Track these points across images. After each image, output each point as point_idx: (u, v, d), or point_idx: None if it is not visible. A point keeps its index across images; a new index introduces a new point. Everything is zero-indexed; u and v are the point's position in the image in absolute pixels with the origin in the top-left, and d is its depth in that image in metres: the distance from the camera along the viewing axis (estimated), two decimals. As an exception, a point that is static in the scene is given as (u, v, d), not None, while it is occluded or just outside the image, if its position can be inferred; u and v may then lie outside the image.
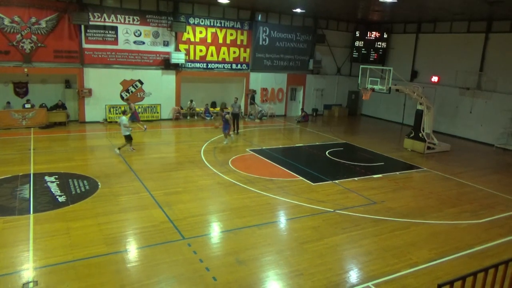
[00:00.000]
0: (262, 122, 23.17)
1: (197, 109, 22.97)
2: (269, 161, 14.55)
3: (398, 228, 9.32)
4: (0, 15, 17.21)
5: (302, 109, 25.57)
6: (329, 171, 13.77)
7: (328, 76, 26.92)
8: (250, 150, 16.02)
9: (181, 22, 20.80)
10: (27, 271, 6.77)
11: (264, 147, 16.65)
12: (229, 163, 13.90)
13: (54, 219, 8.83)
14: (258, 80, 24.39)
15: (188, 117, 22.60)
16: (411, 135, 17.60)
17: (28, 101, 18.58)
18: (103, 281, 6.58)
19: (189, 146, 16.28)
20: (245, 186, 11.59)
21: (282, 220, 9.64)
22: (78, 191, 10.55)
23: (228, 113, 17.81)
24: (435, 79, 22.51)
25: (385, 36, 25.17)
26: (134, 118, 19.11)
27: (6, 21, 17.37)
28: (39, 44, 18.20)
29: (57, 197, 10.03)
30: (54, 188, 10.62)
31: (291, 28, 24.60)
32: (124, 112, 14.16)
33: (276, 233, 8.88)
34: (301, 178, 12.69)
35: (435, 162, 15.71)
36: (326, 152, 16.27)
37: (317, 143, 18.07)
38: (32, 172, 11.85)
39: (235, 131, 18.59)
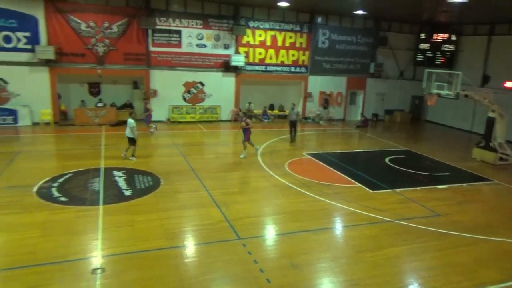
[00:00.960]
0: (320, 126, 22.91)
1: (255, 111, 23.26)
2: (326, 165, 14.35)
3: (464, 243, 8.75)
4: (78, 21, 18.72)
5: (362, 113, 24.91)
6: (389, 179, 13.27)
7: (390, 80, 25.97)
8: (307, 154, 15.92)
9: (241, 26, 21.23)
10: (96, 258, 7.28)
11: (321, 151, 16.45)
12: (285, 166, 13.91)
13: (121, 211, 9.41)
14: (317, 83, 24.15)
15: (246, 119, 22.95)
16: (481, 145, 16.42)
17: (100, 101, 20.03)
18: (162, 273, 6.89)
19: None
20: (301, 189, 11.53)
21: (338, 227, 9.46)
22: (143, 186, 11.16)
23: (250, 116, 15.70)
24: (509, 84, 20.82)
25: (453, 38, 23.75)
26: (147, 119, 18.72)
27: (83, 26, 18.85)
28: (111, 48, 19.52)
29: (124, 191, 10.69)
30: (121, 182, 11.33)
31: (351, 31, 24.09)
32: (131, 114, 14.18)
33: (331, 239, 8.74)
34: (359, 184, 12.37)
35: (508, 175, 14.52)
36: (386, 159, 15.70)
37: (376, 149, 17.50)
38: (102, 166, 12.75)
39: (292, 139, 17.67)
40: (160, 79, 20.70)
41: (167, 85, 20.89)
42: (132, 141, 13.72)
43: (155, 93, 20.61)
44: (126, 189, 10.78)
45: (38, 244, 7.71)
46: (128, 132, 13.63)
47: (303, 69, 23.70)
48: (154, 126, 18.72)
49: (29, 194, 10.13)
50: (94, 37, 19.14)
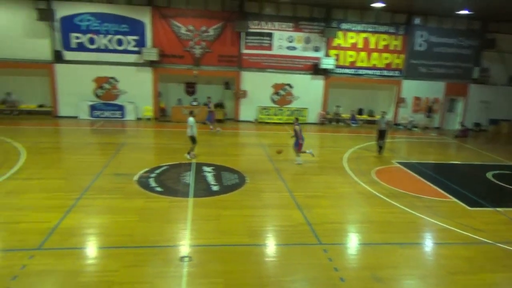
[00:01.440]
0: (412, 134, 21.59)
1: (343, 115, 22.76)
2: (418, 176, 13.47)
3: None
4: (179, 25, 20.20)
5: (462, 122, 22.86)
6: (491, 196, 11.98)
7: (498, 86, 23.42)
8: (397, 162, 15.11)
9: (333, 28, 20.94)
10: (184, 247, 7.79)
11: (412, 161, 15.49)
12: (372, 173, 13.38)
13: (208, 205, 9.94)
14: (411, 88, 22.78)
15: (333, 123, 22.58)
16: None
17: (195, 100, 21.36)
18: (244, 269, 7.11)
19: (332, 152, 16.27)
20: (388, 199, 11.00)
21: (429, 243, 8.82)
22: (229, 183, 11.64)
23: (299, 124, 14.22)
24: None
25: None
26: (210, 118, 18.94)
27: (183, 30, 20.28)
28: (206, 50, 20.70)
29: (212, 186, 11.26)
30: (210, 177, 11.96)
31: (453, 32, 22.25)
32: (191, 113, 14.27)
33: (420, 256, 8.18)
34: (454, 199, 11.38)
35: None
36: (488, 174, 14.20)
37: (477, 163, 15.93)
38: (194, 161, 13.58)
39: (379, 150, 16.04)
40: (250, 80, 21.38)
41: (257, 87, 21.48)
42: (192, 140, 13.87)
43: (244, 94, 21.34)
44: (214, 185, 11.35)
45: (136, 228, 8.50)
46: (188, 131, 13.81)
47: (396, 73, 22.55)
48: (211, 127, 18.81)
49: (130, 182, 11.22)
50: (192, 40, 20.47)
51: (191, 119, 13.79)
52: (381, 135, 15.94)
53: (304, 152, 14.27)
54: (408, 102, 22.97)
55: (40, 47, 19.43)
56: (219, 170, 12.72)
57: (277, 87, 21.82)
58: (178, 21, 20.16)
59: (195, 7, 20.12)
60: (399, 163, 15.00)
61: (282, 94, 21.93)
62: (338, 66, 21.85)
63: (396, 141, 19.47)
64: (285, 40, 21.18)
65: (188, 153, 13.89)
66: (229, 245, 7.93)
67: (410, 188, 12.06)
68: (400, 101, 22.81)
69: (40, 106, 20.63)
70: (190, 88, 22.05)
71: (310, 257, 7.65)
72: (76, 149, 14.83)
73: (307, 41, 21.37)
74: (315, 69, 21.71)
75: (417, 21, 21.91)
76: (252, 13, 20.61)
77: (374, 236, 8.76)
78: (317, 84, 22.01)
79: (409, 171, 14.04)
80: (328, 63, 21.26)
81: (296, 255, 7.71)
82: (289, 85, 21.85)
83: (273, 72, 21.55)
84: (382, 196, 11.20)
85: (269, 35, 21.03)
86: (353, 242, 8.66)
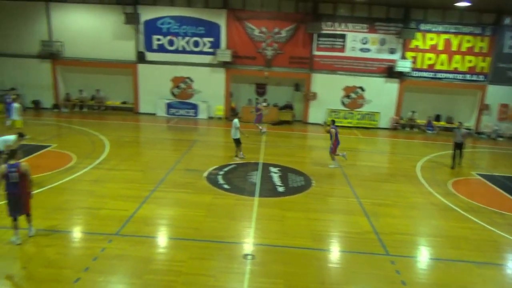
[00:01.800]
0: (496, 144, 19.78)
1: (418, 121, 21.56)
2: (501, 190, 12.32)
3: None
4: (252, 27, 20.61)
5: (557, 133, 20.44)
6: None
7: None
8: (478, 174, 13.96)
9: (411, 29, 19.92)
10: (248, 245, 7.95)
11: (496, 173, 14.20)
12: (449, 184, 12.50)
13: (273, 205, 10.03)
14: (497, 94, 20.87)
15: (407, 129, 21.49)
16: None
17: (265, 100, 21.65)
18: (306, 272, 7.07)
19: (404, 159, 15.50)
20: (465, 213, 10.20)
21: (511, 265, 8.04)
22: (295, 185, 11.63)
23: (335, 127, 13.59)
24: None
25: None
26: (258, 119, 18.56)
27: (256, 32, 20.66)
28: (278, 51, 20.87)
29: (277, 187, 11.35)
30: (276, 178, 12.06)
31: (554, 33, 19.96)
32: (236, 114, 13.86)
33: (501, 278, 7.48)
34: (544, 219, 10.23)
35: None
36: None
37: None
38: (261, 161, 13.80)
39: (454, 165, 14.34)
40: (320, 82, 21.14)
41: (327, 89, 21.18)
42: (237, 142, 13.82)
43: (314, 96, 21.16)
44: (280, 186, 11.42)
45: (203, 222, 8.86)
46: (233, 133, 13.72)
47: (480, 77, 20.81)
48: (260, 127, 18.55)
49: (200, 178, 11.72)
50: (265, 42, 20.78)
51: (235, 120, 13.80)
52: (458, 148, 14.37)
53: (338, 155, 13.76)
54: (492, 109, 21.07)
55: (126, 48, 21.06)
56: (285, 172, 12.77)
57: (348, 90, 21.30)
58: (251, 23, 20.59)
59: (269, 9, 20.40)
60: (480, 175, 13.84)
61: (353, 97, 21.37)
62: (414, 69, 20.74)
63: (478, 151, 17.97)
64: (358, 41, 20.61)
65: (236, 155, 13.90)
66: (292, 247, 7.94)
67: (491, 203, 11.06)
68: (483, 108, 21.01)
69: (123, 102, 22.35)
70: (261, 89, 22.40)
71: (376, 268, 7.38)
72: (153, 144, 15.84)
73: (382, 42, 20.58)
74: (390, 72, 20.82)
75: (507, 21, 20.01)
76: (325, 15, 20.36)
77: (448, 252, 8.19)
78: (391, 87, 21.09)
79: (491, 184, 12.89)
80: (404, 65, 20.27)
81: (360, 264, 7.49)
82: (361, 88, 21.22)
83: (344, 75, 21.08)
84: (458, 210, 10.43)
85: (342, 36, 20.61)
86: (424, 256, 8.18)
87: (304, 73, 21.11)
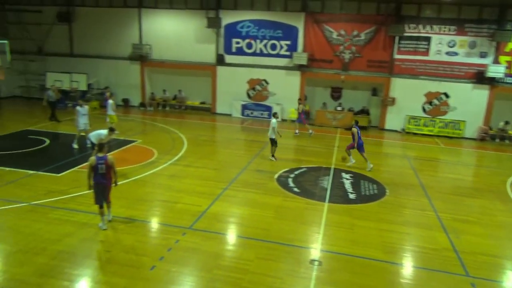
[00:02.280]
0: None
1: (511, 132, 19.51)
2: None
3: None
4: (330, 30, 20.32)
5: None
6: None
7: None
8: None
9: (506, 31, 18.08)
10: (315, 250, 7.88)
11: None
12: (546, 204, 11.15)
13: (343, 212, 9.81)
14: None
15: (497, 140, 19.56)
16: None
17: (340, 104, 21.24)
18: (374, 285, 6.81)
19: (492, 173, 14.15)
20: None
21: None
22: (367, 193, 11.24)
23: (357, 127, 13.36)
24: None
25: None
26: (300, 120, 18.09)
27: (334, 35, 20.33)
28: (356, 55, 20.31)
29: (349, 193, 11.07)
30: (347, 185, 11.77)
31: None
32: (275, 114, 13.84)
33: None
34: None
35: None
36: None
37: None
38: (333, 166, 13.56)
39: None
40: (400, 87, 20.13)
41: (407, 94, 20.10)
42: (273, 142, 13.73)
43: (393, 101, 20.22)
44: (351, 193, 11.12)
45: (272, 223, 8.97)
46: (270, 133, 13.65)
47: None
48: (310, 131, 18.28)
49: (271, 180, 11.87)
50: (343, 45, 20.36)
51: (273, 120, 13.77)
52: None
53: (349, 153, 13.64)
54: None
55: (207, 51, 22.05)
56: (358, 178, 12.40)
57: (431, 96, 19.98)
58: (330, 26, 20.31)
59: (348, 12, 19.95)
60: None
61: (436, 104, 20.00)
62: (508, 75, 18.80)
63: None
64: (445, 44, 19.24)
65: (272, 155, 13.92)
66: (361, 257, 7.69)
67: None
68: None
69: (202, 103, 23.41)
70: (336, 93, 21.98)
71: (453, 288, 6.87)
72: (227, 143, 16.40)
73: (472, 46, 18.98)
74: (479, 78, 19.11)
75: None
76: (409, 16, 19.34)
77: (541, 280, 7.33)
78: (480, 94, 19.34)
79: None
80: (496, 71, 18.46)
81: (435, 282, 7.02)
82: (445, 94, 19.78)
83: (427, 80, 19.81)
84: (557, 234, 9.26)
85: (427, 39, 19.40)
86: (511, 282, 7.41)
87: (383, 77, 20.27)
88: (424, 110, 20.18)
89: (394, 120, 20.45)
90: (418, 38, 19.46)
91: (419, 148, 17.55)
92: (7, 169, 11.67)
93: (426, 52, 19.53)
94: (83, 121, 13.99)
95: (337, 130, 19.88)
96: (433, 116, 20.07)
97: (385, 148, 17.49)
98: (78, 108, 14.05)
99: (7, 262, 7.00)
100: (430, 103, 20.05)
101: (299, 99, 19.73)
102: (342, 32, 20.22)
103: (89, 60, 23.51)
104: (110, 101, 16.29)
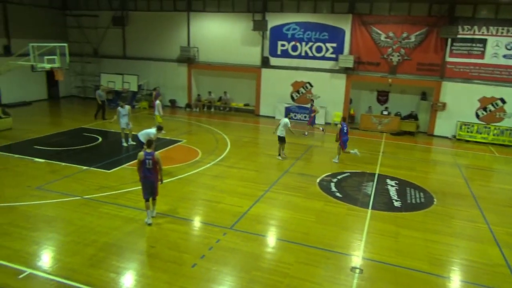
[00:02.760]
0: None
1: None
2: None
3: None
4: (378, 32, 19.80)
5: None
6: None
7: None
8: None
9: None
10: (357, 258, 7.71)
11: None
12: None
13: (387, 220, 9.52)
14: None
15: (560, 149, 18.11)
16: None
17: (386, 109, 20.62)
18: (419, 297, 6.56)
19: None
20: None
21: None
22: (413, 201, 10.83)
23: (343, 122, 13.98)
24: None
25: None
26: (312, 121, 18.14)
27: (382, 37, 19.78)
28: (405, 57, 19.64)
29: (394, 201, 10.72)
30: (392, 192, 11.41)
31: None
32: (289, 115, 14.23)
33: None
34: None
35: None
36: None
37: None
38: (377, 172, 13.20)
39: None
40: (452, 91, 19.20)
41: (459, 99, 19.13)
42: (282, 140, 13.98)
43: (443, 106, 19.32)
44: (396, 200, 10.77)
45: (312, 228, 8.89)
46: (280, 132, 13.87)
47: None
48: (305, 133, 18.59)
49: (313, 184, 11.76)
50: (391, 47, 19.77)
51: (286, 120, 14.09)
52: None
53: (349, 152, 13.93)
54: None
55: (252, 53, 22.27)
56: (403, 186, 11.97)
57: (485, 101, 18.86)
58: (378, 28, 19.80)
59: (398, 13, 19.34)
60: None
61: (491, 110, 18.86)
62: None
63: None
64: (502, 47, 18.10)
65: (279, 154, 14.19)
66: (405, 267, 7.43)
67: None
68: None
69: (246, 105, 23.66)
70: (382, 97, 21.37)
71: (506, 307, 6.46)
72: (269, 146, 16.42)
73: (535, 48, 17.75)
74: (542, 82, 17.82)
75: None
76: (463, 17, 18.40)
77: None
78: (543, 100, 18.03)
79: None
80: (562, 75, 17.14)
81: (486, 299, 6.63)
82: (501, 99, 18.59)
83: (482, 84, 18.73)
84: None
85: (482, 41, 18.36)
86: None
87: (433, 81, 19.43)
88: (477, 116, 19.09)
89: (444, 126, 19.54)
90: (472, 40, 18.49)
91: (471, 156, 16.64)
92: (63, 164, 12.46)
93: (481, 55, 18.50)
94: (124, 121, 14.75)
95: (382, 135, 19.32)
96: (488, 122, 18.94)
97: (434, 155, 16.76)
98: (119, 108, 14.83)
99: (60, 251, 7.47)
100: (485, 108, 18.94)
101: (312, 100, 20.01)
102: (391, 34, 19.64)
103: (140, 62, 24.58)
104: (157, 102, 16.90)
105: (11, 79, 19.81)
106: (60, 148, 14.24)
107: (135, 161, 8.65)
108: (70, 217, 8.87)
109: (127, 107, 14.97)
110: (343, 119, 14.50)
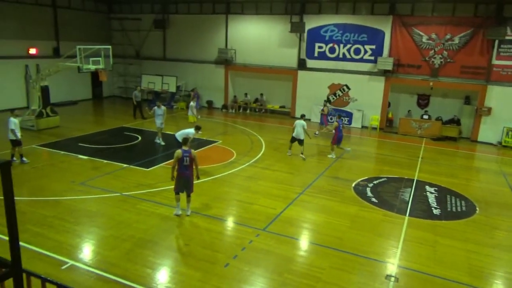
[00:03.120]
0: None
1: None
2: None
3: None
4: (420, 33, 19.19)
5: None
6: None
7: None
8: None
9: None
10: (392, 266, 7.51)
11: None
12: None
13: (425, 228, 9.20)
14: None
15: None
16: None
17: (426, 113, 19.93)
18: (458, 310, 6.30)
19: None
20: None
21: None
22: (454, 209, 10.41)
23: (340, 120, 15.11)
24: None
25: None
26: (322, 122, 17.97)
27: (424, 39, 19.15)
28: (448, 60, 18.91)
29: (433, 208, 10.34)
30: (431, 199, 11.01)
31: None
32: (303, 116, 14.63)
33: None
34: None
35: None
36: None
37: None
38: (415, 178, 12.78)
39: None
40: (498, 96, 18.26)
41: (506, 104, 18.15)
42: (301, 141, 14.33)
43: (489, 111, 18.41)
44: (435, 208, 10.38)
45: (346, 233, 8.75)
46: (298, 133, 14.18)
47: None
48: (316, 132, 18.66)
49: (348, 188, 11.58)
50: (433, 49, 19.10)
51: (303, 121, 14.36)
52: None
53: (342, 148, 14.93)
54: None
55: (289, 55, 22.24)
56: (443, 193, 11.53)
57: (536, 106, 17.82)
58: (420, 29, 19.18)
59: (441, 14, 18.66)
60: None
61: (541, 115, 17.78)
62: None
63: None
64: (557, 49, 17.05)
65: (301, 153, 14.50)
66: (443, 278, 7.15)
67: None
68: None
69: (282, 107, 23.65)
70: (423, 100, 20.67)
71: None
72: (304, 148, 16.31)
73: None
74: None
75: None
76: (511, 18, 17.51)
77: None
78: None
79: None
80: None
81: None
82: (554, 104, 17.51)
83: (533, 88, 17.73)
84: None
85: (534, 43, 17.37)
86: None
87: (478, 84, 18.56)
88: (521, 122, 18.04)
89: (488, 131, 18.61)
90: (523, 42, 17.53)
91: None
92: (105, 161, 13.00)
93: (532, 58, 17.49)
94: (159, 121, 15.35)
95: (422, 139, 18.68)
96: (538, 129, 17.87)
97: (477, 162, 16.01)
98: (155, 108, 15.47)
99: (100, 245, 7.81)
100: (534, 114, 17.87)
101: (325, 100, 20.04)
102: (433, 36, 18.98)
103: (179, 64, 25.20)
104: (191, 103, 17.25)
105: (59, 79, 20.89)
106: (102, 146, 14.88)
107: (171, 160, 8.90)
108: (110, 213, 9.24)
109: (163, 108, 15.47)
110: (339, 116, 15.82)
